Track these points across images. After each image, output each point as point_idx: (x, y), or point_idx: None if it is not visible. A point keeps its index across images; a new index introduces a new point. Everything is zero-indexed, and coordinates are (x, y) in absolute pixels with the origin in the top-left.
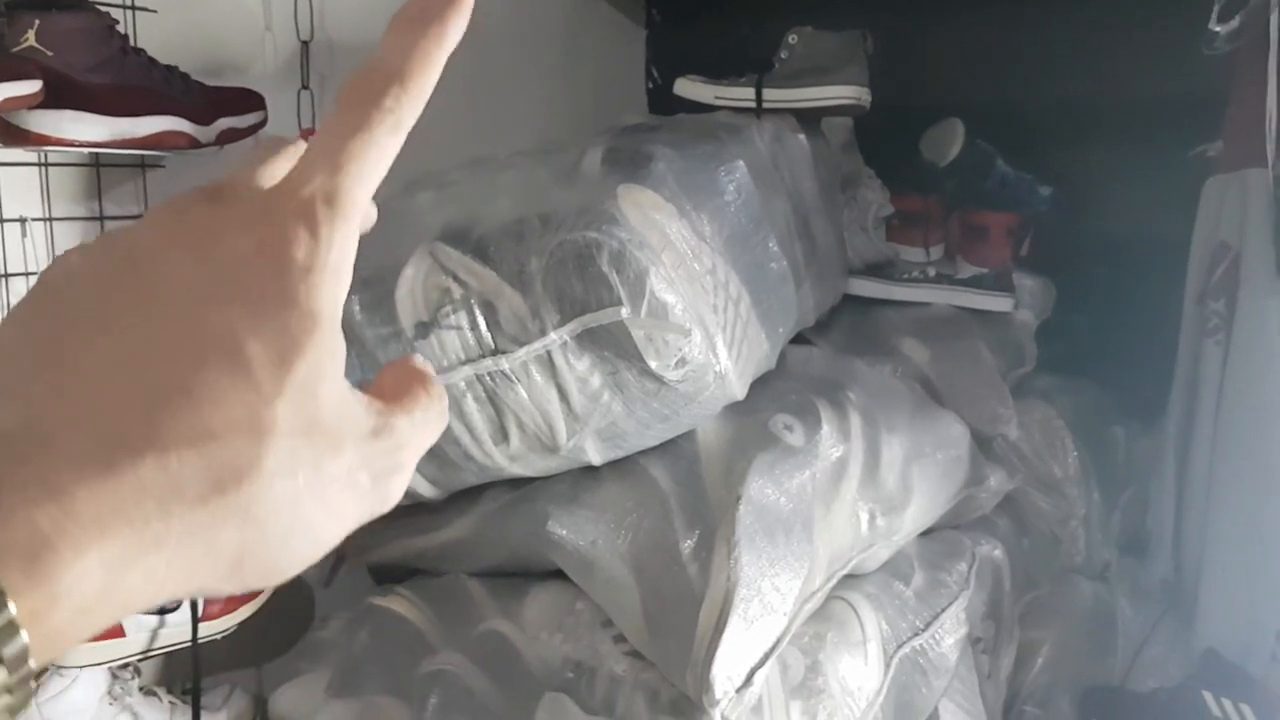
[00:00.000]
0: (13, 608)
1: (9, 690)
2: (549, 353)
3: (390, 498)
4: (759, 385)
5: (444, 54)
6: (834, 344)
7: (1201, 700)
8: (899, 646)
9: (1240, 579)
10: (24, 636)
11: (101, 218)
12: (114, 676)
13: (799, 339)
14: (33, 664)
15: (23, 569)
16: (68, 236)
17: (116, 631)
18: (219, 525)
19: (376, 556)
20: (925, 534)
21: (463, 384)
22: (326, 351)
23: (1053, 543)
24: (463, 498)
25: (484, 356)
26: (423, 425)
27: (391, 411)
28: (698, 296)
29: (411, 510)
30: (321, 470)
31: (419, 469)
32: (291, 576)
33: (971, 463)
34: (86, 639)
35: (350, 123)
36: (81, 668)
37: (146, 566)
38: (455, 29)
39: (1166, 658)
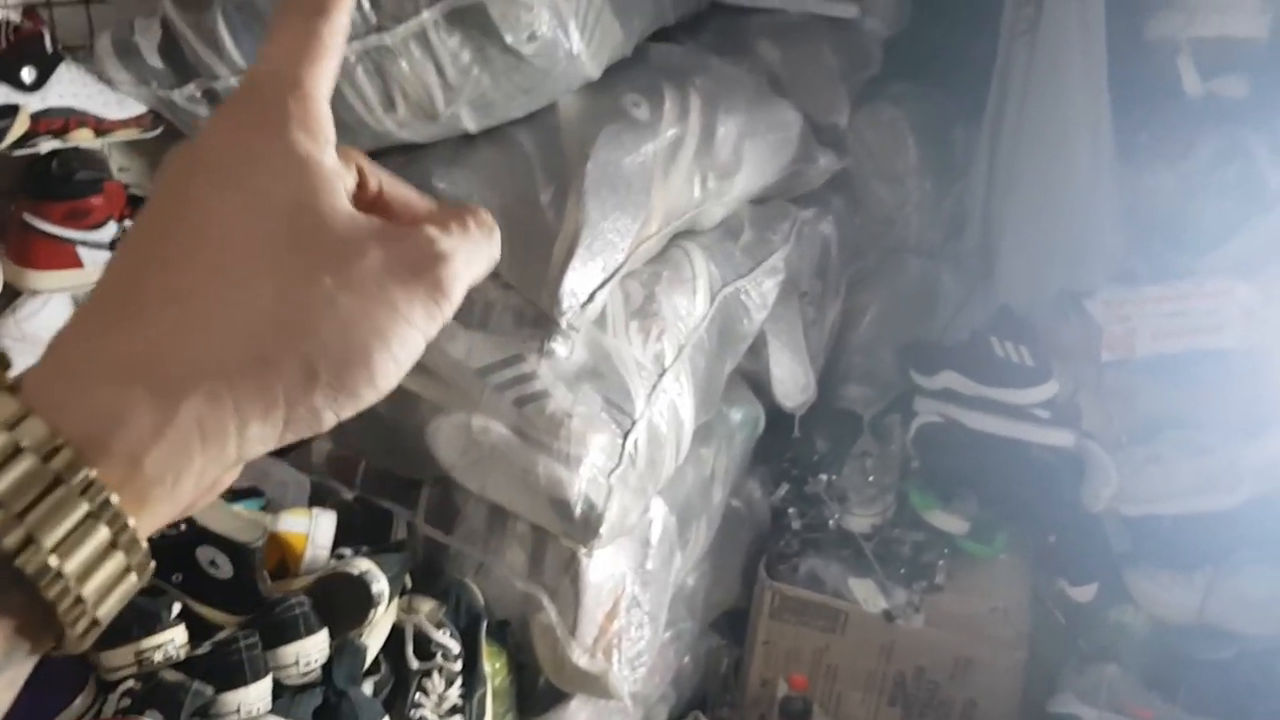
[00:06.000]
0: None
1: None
2: (424, 30)
3: (445, 284)
4: (618, 70)
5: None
6: (700, 45)
7: (988, 343)
8: (724, 286)
9: (1033, 248)
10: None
11: None
12: (77, 303)
13: (668, 38)
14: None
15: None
16: None
17: (74, 262)
18: (260, 340)
19: None
20: (759, 204)
21: (352, 58)
22: (312, 178)
23: (887, 224)
24: None
25: (369, 33)
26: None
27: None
28: None
29: None
30: (347, 269)
31: None
32: (383, 378)
33: (801, 143)
34: (189, 487)
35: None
36: (51, 292)
37: (208, 392)
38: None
39: (975, 317)
